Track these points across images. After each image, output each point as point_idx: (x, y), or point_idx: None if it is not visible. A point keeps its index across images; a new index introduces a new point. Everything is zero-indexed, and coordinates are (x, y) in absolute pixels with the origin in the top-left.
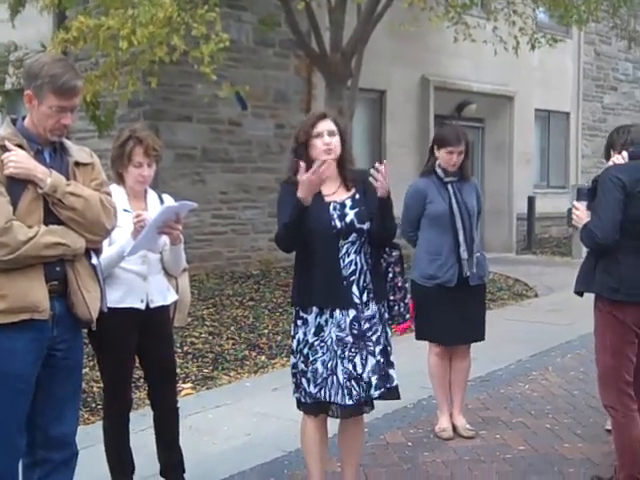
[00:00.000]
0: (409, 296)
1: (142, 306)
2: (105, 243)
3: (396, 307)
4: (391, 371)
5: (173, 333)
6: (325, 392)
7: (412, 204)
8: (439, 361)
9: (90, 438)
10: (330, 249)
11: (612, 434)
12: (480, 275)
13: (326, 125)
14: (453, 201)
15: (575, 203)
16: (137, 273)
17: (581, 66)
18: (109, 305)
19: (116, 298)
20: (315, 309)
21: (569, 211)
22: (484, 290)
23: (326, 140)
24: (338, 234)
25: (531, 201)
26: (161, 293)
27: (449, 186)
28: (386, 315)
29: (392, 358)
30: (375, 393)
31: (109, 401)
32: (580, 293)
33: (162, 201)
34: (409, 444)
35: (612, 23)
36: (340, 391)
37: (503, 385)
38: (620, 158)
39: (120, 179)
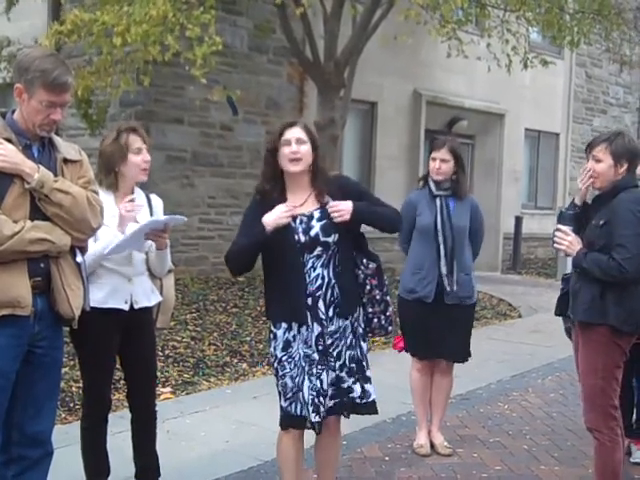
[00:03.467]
0: (391, 309)
1: (126, 307)
2: (90, 241)
3: (375, 320)
4: (367, 386)
5: (155, 335)
6: (295, 406)
7: (404, 215)
8: (420, 377)
9: (67, 438)
10: (295, 264)
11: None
12: (460, 296)
13: (294, 133)
14: (438, 215)
15: (562, 227)
16: (122, 274)
17: (572, 88)
18: (92, 305)
19: (100, 298)
20: (284, 324)
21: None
22: (467, 312)
23: (293, 148)
24: (302, 248)
25: (518, 221)
26: (145, 294)
27: (437, 200)
28: (360, 330)
29: (368, 373)
30: (330, 402)
31: (88, 402)
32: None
33: (150, 201)
34: (386, 459)
35: (604, 46)
36: (306, 408)
37: (482, 404)
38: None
39: (113, 183)
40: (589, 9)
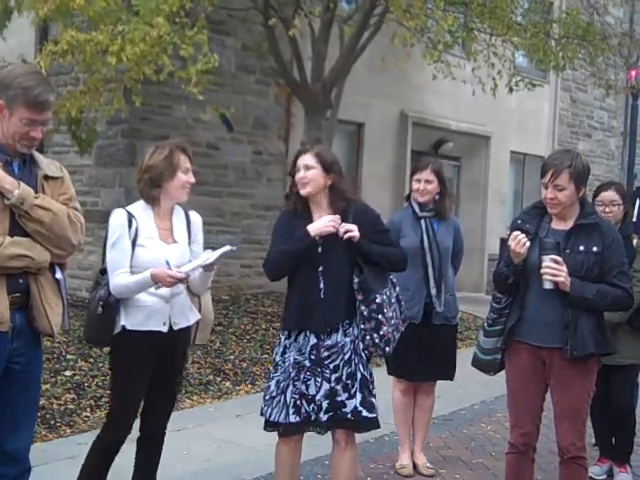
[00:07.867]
0: (387, 328)
1: (165, 329)
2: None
3: (368, 337)
4: (349, 401)
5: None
6: (268, 409)
7: None
8: (403, 397)
9: (46, 456)
10: (307, 274)
11: None
12: (447, 316)
13: (303, 160)
14: (424, 237)
15: (557, 258)
16: (159, 296)
17: (557, 111)
18: (130, 327)
19: (138, 321)
20: (286, 332)
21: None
22: (453, 331)
23: (300, 175)
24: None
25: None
26: (184, 314)
27: (422, 221)
28: (361, 346)
29: (353, 391)
30: (324, 417)
31: (113, 425)
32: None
33: (188, 218)
34: (368, 479)
35: (589, 72)
36: (285, 409)
37: (466, 425)
38: None
39: (156, 198)
40: (574, 34)
